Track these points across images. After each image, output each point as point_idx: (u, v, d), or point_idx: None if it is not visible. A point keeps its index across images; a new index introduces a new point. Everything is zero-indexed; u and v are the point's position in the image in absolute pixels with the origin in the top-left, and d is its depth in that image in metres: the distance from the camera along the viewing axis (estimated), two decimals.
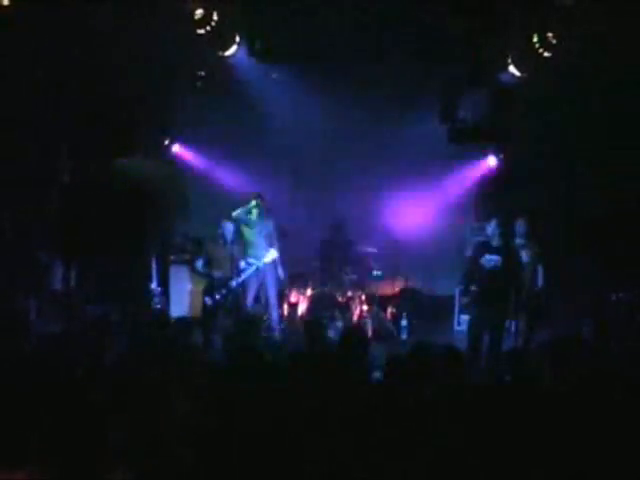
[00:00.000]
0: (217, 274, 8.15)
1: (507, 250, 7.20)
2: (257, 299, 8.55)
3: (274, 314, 8.50)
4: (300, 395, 4.36)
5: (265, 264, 8.25)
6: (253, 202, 8.21)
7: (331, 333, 8.62)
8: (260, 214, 8.29)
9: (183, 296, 9.39)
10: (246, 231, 8.38)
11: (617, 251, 8.67)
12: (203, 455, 4.05)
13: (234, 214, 8.25)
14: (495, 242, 7.18)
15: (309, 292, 9.23)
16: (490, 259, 7.14)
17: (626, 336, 7.88)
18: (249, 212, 8.27)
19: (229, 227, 8.14)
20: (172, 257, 9.62)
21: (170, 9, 7.79)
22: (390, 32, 8.32)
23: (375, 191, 9.88)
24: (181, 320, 7.18)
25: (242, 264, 8.09)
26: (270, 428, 4.20)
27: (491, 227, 7.22)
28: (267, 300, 8.50)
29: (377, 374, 5.65)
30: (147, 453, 3.98)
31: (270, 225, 8.42)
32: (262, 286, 8.43)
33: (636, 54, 8.08)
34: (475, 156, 10.00)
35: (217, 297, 8.00)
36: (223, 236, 8.14)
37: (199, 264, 8.11)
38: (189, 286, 9.25)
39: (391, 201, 9.77)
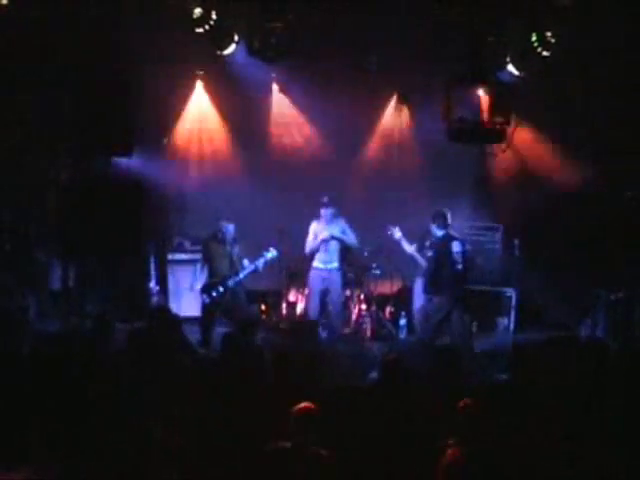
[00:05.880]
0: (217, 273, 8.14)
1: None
2: (323, 305, 8.49)
3: (337, 322, 8.46)
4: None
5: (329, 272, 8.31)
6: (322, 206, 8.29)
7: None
8: (330, 217, 8.31)
9: (181, 295, 9.41)
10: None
11: (616, 250, 8.68)
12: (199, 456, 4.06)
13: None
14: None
15: (307, 291, 9.22)
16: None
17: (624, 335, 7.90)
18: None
19: (229, 228, 8.10)
20: (170, 256, 9.63)
21: (169, 8, 7.79)
22: (390, 31, 8.31)
23: (375, 190, 9.87)
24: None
25: (245, 262, 8.09)
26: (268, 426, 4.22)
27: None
28: (331, 306, 8.44)
29: (374, 374, 5.66)
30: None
31: (339, 227, 8.38)
32: (325, 293, 8.41)
33: (635, 53, 8.10)
34: (475, 155, 9.98)
35: (214, 295, 7.99)
36: (223, 236, 8.10)
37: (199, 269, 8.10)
38: (187, 285, 9.26)
39: (390, 199, 9.75)
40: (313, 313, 8.41)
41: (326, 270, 8.39)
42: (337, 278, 8.43)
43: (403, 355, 5.50)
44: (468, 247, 7.88)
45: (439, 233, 7.70)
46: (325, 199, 8.35)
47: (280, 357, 5.17)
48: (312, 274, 8.46)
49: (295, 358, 5.15)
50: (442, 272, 7.63)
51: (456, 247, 7.63)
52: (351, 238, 8.43)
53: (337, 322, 8.49)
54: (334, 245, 8.37)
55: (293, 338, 7.60)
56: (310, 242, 8.43)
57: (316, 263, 8.42)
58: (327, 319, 8.46)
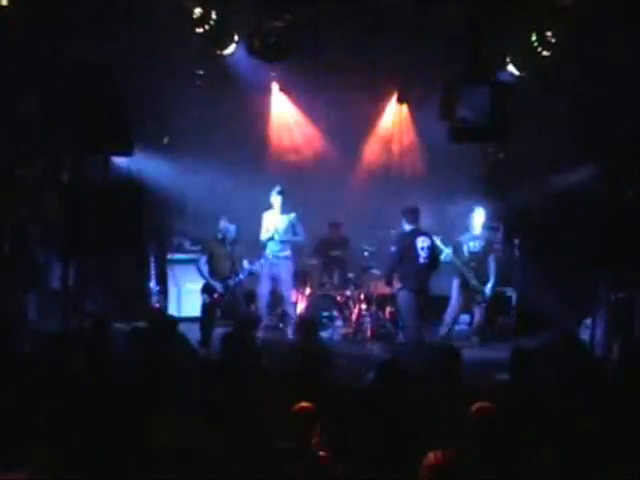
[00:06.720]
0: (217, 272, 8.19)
1: None
2: (273, 292, 8.71)
3: (289, 309, 8.74)
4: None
5: (279, 260, 8.56)
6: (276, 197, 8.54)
7: (329, 332, 8.67)
8: (281, 206, 8.55)
9: (181, 295, 9.42)
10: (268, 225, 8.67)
11: (617, 250, 8.66)
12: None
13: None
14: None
15: (308, 291, 9.22)
16: None
17: (625, 336, 7.89)
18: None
19: (230, 228, 8.17)
20: (170, 256, 9.63)
21: (169, 8, 7.79)
22: (390, 31, 8.31)
23: (375, 190, 9.87)
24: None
25: (245, 263, 8.14)
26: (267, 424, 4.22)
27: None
28: (281, 295, 8.72)
29: (371, 374, 5.64)
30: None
31: (289, 219, 8.59)
32: (275, 281, 8.62)
33: (635, 53, 8.09)
34: (475, 155, 9.97)
35: (215, 295, 8.05)
36: (224, 237, 8.16)
37: (202, 263, 8.20)
38: (188, 285, 9.27)
39: (390, 199, 9.75)
40: (262, 302, 8.62)
41: (276, 258, 8.59)
42: (287, 267, 8.69)
43: (401, 355, 5.51)
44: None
45: (407, 228, 7.81)
46: (278, 188, 8.57)
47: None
48: (264, 262, 8.61)
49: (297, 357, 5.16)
50: (405, 266, 7.73)
51: (422, 242, 7.75)
52: (299, 234, 8.68)
53: (290, 309, 8.73)
54: (284, 236, 8.58)
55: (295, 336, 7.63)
56: (263, 234, 8.65)
57: (268, 252, 8.61)
58: (279, 307, 8.77)
